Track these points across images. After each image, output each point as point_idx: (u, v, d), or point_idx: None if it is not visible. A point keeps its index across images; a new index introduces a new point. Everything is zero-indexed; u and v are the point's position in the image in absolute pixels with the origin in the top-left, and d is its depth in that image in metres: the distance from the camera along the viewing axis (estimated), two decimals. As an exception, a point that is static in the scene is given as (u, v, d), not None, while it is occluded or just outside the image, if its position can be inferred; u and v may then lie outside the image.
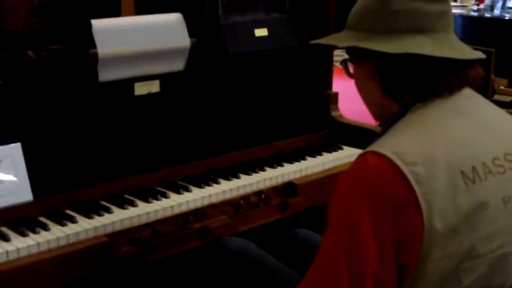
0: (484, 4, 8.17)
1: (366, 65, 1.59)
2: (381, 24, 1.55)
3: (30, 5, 2.35)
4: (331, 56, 2.98)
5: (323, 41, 1.70)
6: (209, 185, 2.35)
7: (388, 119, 1.62)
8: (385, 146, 1.47)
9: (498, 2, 7.98)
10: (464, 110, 1.56)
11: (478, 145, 1.52)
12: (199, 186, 2.34)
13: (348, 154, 2.73)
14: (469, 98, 1.59)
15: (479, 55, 1.60)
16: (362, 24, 1.60)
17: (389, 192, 1.41)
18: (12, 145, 2.10)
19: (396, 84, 1.56)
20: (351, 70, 1.68)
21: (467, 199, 1.44)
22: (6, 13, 2.29)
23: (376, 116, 1.69)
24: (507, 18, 7.57)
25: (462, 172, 1.45)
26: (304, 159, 2.65)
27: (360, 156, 1.50)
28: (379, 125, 2.65)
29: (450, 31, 1.59)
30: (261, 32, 2.76)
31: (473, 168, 1.47)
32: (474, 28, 7.28)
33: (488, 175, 1.49)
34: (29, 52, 2.26)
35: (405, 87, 1.55)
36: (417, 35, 1.54)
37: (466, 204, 1.44)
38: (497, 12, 7.84)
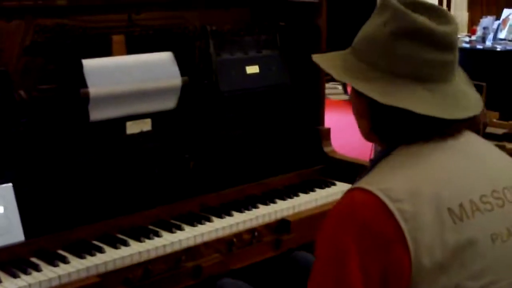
0: (476, 35, 8.23)
1: (360, 99, 1.59)
2: (383, 61, 1.54)
3: (22, 45, 2.35)
4: (322, 91, 2.99)
5: (324, 65, 1.65)
6: (201, 223, 2.35)
7: (376, 155, 1.62)
8: (372, 182, 1.47)
9: (489, 33, 8.04)
10: (454, 147, 1.56)
11: (465, 182, 1.51)
12: (192, 224, 2.33)
13: (341, 190, 2.72)
14: (460, 133, 1.60)
15: (475, 110, 1.59)
16: (366, 54, 1.58)
17: (375, 229, 1.41)
18: (3, 185, 2.10)
19: (384, 129, 1.57)
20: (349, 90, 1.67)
21: (454, 236, 1.44)
22: (-2, 54, 2.29)
23: (365, 138, 1.69)
24: (498, 49, 7.63)
25: (449, 209, 1.45)
26: (297, 195, 2.65)
27: (348, 192, 1.50)
28: (371, 160, 2.66)
29: (452, 80, 1.57)
30: (252, 69, 2.78)
31: (461, 205, 1.47)
32: (466, 61, 7.32)
33: (476, 212, 1.49)
34: (21, 92, 2.26)
35: (394, 133, 1.56)
36: (414, 83, 1.52)
37: (453, 241, 1.43)
38: (488, 43, 7.90)
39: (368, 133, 1.63)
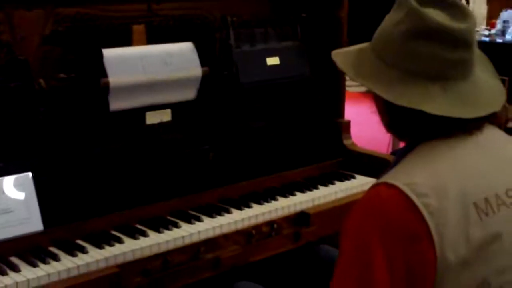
0: (496, 29, 8.16)
1: (378, 98, 1.59)
2: (397, 60, 1.53)
3: (42, 34, 2.34)
4: (343, 84, 2.97)
5: (341, 64, 1.65)
6: (220, 215, 2.33)
7: (399, 150, 1.62)
8: (398, 177, 1.47)
9: (509, 27, 7.96)
10: (477, 141, 1.55)
11: (491, 176, 1.51)
12: (211, 216, 2.32)
13: (360, 183, 2.71)
14: (481, 129, 1.58)
15: (496, 105, 1.58)
16: (382, 52, 1.57)
17: (401, 224, 1.41)
18: (23, 174, 2.10)
19: (401, 128, 1.57)
20: None
21: (479, 231, 1.43)
22: (18, 43, 2.28)
23: (387, 132, 1.69)
24: (519, 43, 7.57)
25: (474, 204, 1.45)
26: (316, 188, 2.63)
27: (372, 187, 1.50)
28: (391, 153, 2.65)
29: (469, 77, 1.55)
30: (273, 60, 2.76)
31: (486, 200, 1.46)
32: (486, 55, 7.24)
33: (501, 207, 1.48)
34: (40, 80, 2.25)
35: (411, 132, 1.56)
36: (429, 82, 1.51)
37: (479, 236, 1.43)
38: (508, 37, 7.82)
39: (388, 128, 1.64)
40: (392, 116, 1.58)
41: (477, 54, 1.59)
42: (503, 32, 7.91)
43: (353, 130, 3.00)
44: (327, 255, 2.36)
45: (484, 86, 1.58)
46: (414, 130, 1.56)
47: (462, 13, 1.53)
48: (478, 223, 1.43)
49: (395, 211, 1.42)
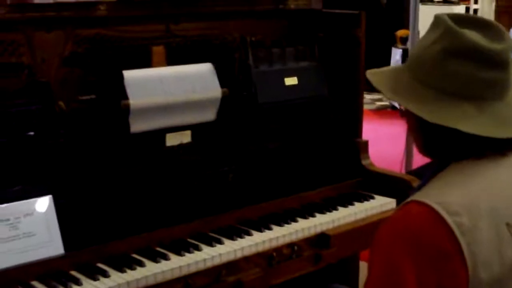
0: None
1: (411, 117, 1.58)
2: (433, 79, 1.53)
3: (62, 56, 2.34)
4: (361, 104, 2.96)
5: (376, 83, 1.65)
6: (241, 237, 2.32)
7: (429, 169, 1.61)
8: (429, 195, 1.46)
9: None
10: (507, 162, 1.54)
11: None
12: (231, 238, 2.30)
13: (379, 204, 2.69)
14: None
15: None
16: (417, 71, 1.57)
17: (433, 242, 1.40)
18: (43, 197, 2.09)
19: (435, 146, 1.57)
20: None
21: None
22: (39, 65, 2.28)
23: (420, 153, 1.68)
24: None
25: (507, 224, 1.45)
26: (336, 209, 2.61)
27: (403, 205, 1.50)
28: (407, 173, 2.64)
29: (505, 98, 1.55)
30: (291, 81, 2.75)
31: None
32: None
33: None
34: (60, 103, 2.25)
35: (444, 150, 1.55)
36: (464, 101, 1.51)
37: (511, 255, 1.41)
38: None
39: (422, 148, 1.63)
40: (426, 135, 1.58)
41: None
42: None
43: (371, 146, 2.98)
44: None
45: None
46: (448, 150, 1.55)
47: (498, 34, 1.53)
48: (511, 243, 1.42)
49: (426, 229, 1.41)
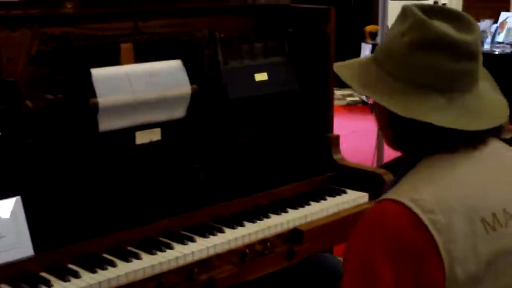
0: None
1: (382, 111, 1.57)
2: (403, 72, 1.52)
3: (28, 54, 2.31)
4: (331, 98, 2.95)
5: (344, 76, 1.63)
6: (213, 235, 2.30)
7: (401, 164, 1.60)
8: (402, 193, 1.46)
9: (487, 37, 8.02)
10: (480, 156, 1.54)
11: (497, 191, 1.50)
12: (204, 235, 2.29)
13: (352, 198, 2.69)
14: (485, 143, 1.57)
15: (501, 118, 1.56)
16: (386, 64, 1.56)
17: (408, 241, 1.40)
18: (12, 198, 2.05)
19: (407, 140, 1.55)
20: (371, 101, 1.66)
21: (488, 246, 1.42)
22: (6, 64, 2.25)
23: (389, 147, 1.67)
24: (496, 53, 7.62)
25: (482, 219, 1.44)
26: (308, 204, 2.60)
27: (377, 203, 1.49)
28: (381, 167, 2.64)
29: (474, 90, 1.55)
30: (261, 76, 2.74)
31: (493, 215, 1.45)
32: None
33: (510, 222, 1.47)
34: (28, 102, 2.21)
35: (416, 145, 1.54)
36: (435, 94, 1.51)
37: (487, 252, 1.42)
38: (486, 47, 7.88)
39: (391, 142, 1.61)
40: (397, 130, 1.57)
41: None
42: (481, 42, 7.95)
43: (342, 141, 2.98)
44: (329, 264, 2.34)
45: (489, 99, 1.57)
46: (419, 144, 1.54)
47: (468, 25, 1.53)
48: (486, 239, 1.42)
49: (401, 228, 1.41)
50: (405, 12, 1.55)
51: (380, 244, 1.41)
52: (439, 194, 1.44)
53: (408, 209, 1.41)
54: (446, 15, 1.55)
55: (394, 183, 1.58)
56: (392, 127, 1.57)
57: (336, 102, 8.71)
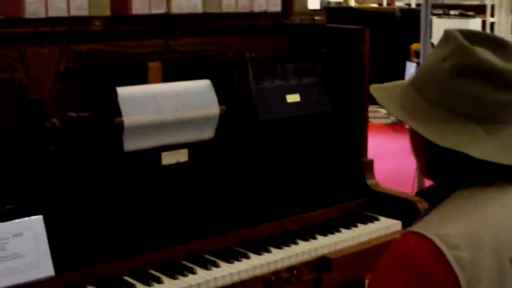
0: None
1: (418, 138, 1.50)
2: (442, 98, 1.45)
3: (56, 71, 2.29)
4: (366, 121, 2.88)
5: (381, 99, 1.56)
6: (238, 260, 2.24)
7: (435, 196, 1.53)
8: (428, 227, 1.39)
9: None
10: None
11: None
12: (228, 261, 2.23)
13: (384, 226, 2.61)
14: None
15: None
16: (425, 88, 1.49)
17: (430, 277, 1.34)
18: (34, 217, 2.02)
19: (442, 171, 1.48)
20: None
21: None
22: (32, 80, 2.23)
23: (422, 175, 1.60)
24: None
25: (511, 259, 1.36)
26: (338, 231, 2.52)
27: (402, 236, 1.43)
28: (416, 194, 2.56)
29: None
30: (293, 98, 2.68)
31: None
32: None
33: None
34: (54, 120, 2.19)
35: (452, 176, 1.47)
36: (474, 124, 1.43)
37: None
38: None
39: (426, 172, 1.54)
40: (432, 159, 1.49)
41: None
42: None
43: (376, 164, 2.90)
44: None
45: None
46: (454, 175, 1.47)
47: None
48: None
49: (424, 262, 1.34)
50: (447, 36, 1.49)
51: (402, 277, 1.35)
52: (468, 229, 1.37)
53: (432, 243, 1.35)
54: (490, 42, 1.48)
55: (426, 213, 1.52)
56: (428, 156, 1.50)
57: (381, 121, 8.63)
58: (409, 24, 8.71)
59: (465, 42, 1.43)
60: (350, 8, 10.26)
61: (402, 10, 9.18)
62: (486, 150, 1.40)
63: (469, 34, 1.47)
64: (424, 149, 1.49)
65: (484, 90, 1.41)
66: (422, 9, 4.77)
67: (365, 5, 10.56)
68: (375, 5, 11.34)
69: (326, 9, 9.03)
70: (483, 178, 1.44)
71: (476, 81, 1.41)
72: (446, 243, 1.34)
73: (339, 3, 11.52)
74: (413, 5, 10.97)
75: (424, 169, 1.54)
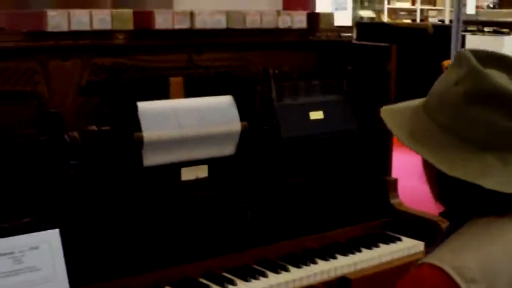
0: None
1: (429, 166, 1.46)
2: (453, 124, 1.41)
3: (78, 84, 2.29)
4: (390, 139, 2.83)
5: (390, 124, 1.53)
6: (256, 278, 2.21)
7: (447, 226, 1.49)
8: (444, 259, 1.35)
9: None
10: None
11: None
12: (245, 279, 2.20)
13: (407, 246, 2.56)
14: None
15: None
16: (436, 113, 1.45)
17: None
18: (50, 231, 2.01)
19: (453, 200, 1.44)
20: None
21: None
22: (53, 94, 2.22)
23: (436, 202, 1.55)
24: None
25: None
26: (359, 250, 2.48)
27: (416, 267, 1.39)
28: (439, 214, 2.51)
29: None
30: (316, 115, 2.65)
31: None
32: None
33: None
34: (74, 133, 2.19)
35: (464, 205, 1.42)
36: (486, 152, 1.38)
37: None
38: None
39: (438, 199, 1.50)
40: (443, 187, 1.46)
41: None
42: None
43: (400, 182, 2.84)
44: None
45: None
46: (467, 204, 1.43)
47: None
48: None
49: None
50: (460, 58, 1.43)
51: None
52: (484, 261, 1.33)
53: (448, 276, 1.31)
54: (506, 64, 1.42)
55: (441, 241, 1.47)
56: (439, 184, 1.45)
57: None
58: (442, 40, 8.63)
59: (478, 66, 1.38)
60: (383, 23, 10.20)
61: (435, 26, 9.09)
62: (498, 181, 1.36)
63: (482, 56, 1.42)
64: (435, 176, 1.45)
65: (497, 117, 1.37)
66: (453, 25, 4.74)
67: (398, 21, 10.49)
68: (408, 21, 11.27)
69: (359, 25, 9.00)
70: (497, 208, 1.39)
71: (489, 108, 1.37)
72: (462, 276, 1.30)
73: (372, 18, 11.47)
74: (447, 22, 10.88)
75: (436, 196, 1.50)
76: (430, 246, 1.52)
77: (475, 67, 1.39)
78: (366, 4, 12.88)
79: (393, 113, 1.55)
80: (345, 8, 10.14)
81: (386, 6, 13.05)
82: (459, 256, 1.34)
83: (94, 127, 2.21)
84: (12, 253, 1.96)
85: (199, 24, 2.42)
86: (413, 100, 1.58)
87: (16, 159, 2.04)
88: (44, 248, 2.00)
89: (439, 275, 1.32)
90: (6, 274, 1.93)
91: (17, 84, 2.18)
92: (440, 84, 1.49)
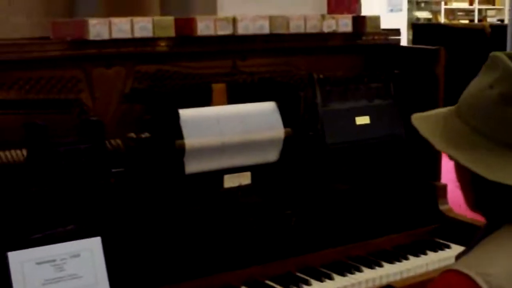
0: None
1: (464, 171, 1.42)
2: (489, 127, 1.38)
3: (121, 92, 2.30)
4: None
5: (423, 130, 1.51)
6: (299, 287, 2.19)
7: (477, 233, 1.44)
8: (471, 265, 1.33)
9: None
10: None
11: None
12: (288, 287, 2.17)
13: (455, 254, 2.47)
14: None
15: None
16: (470, 118, 1.42)
17: None
18: (92, 239, 2.02)
19: (490, 205, 1.39)
20: None
21: None
22: (96, 102, 2.24)
23: (470, 210, 1.51)
24: None
25: None
26: (406, 258, 2.43)
27: (443, 273, 1.36)
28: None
29: None
30: (362, 120, 2.60)
31: None
32: None
33: None
34: (117, 141, 2.20)
35: (500, 211, 1.38)
36: None
37: None
38: None
39: (473, 206, 1.46)
40: (479, 193, 1.42)
41: None
42: None
43: (450, 188, 2.77)
44: None
45: None
46: (502, 210, 1.39)
47: None
48: None
49: None
50: (493, 61, 1.40)
51: None
52: (511, 267, 1.30)
53: (475, 283, 1.28)
54: None
55: (469, 249, 1.44)
56: (474, 190, 1.41)
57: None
58: (500, 40, 8.46)
59: None
60: (439, 24, 10.05)
61: (492, 26, 8.91)
62: None
63: None
64: (470, 183, 1.41)
65: None
66: (509, 25, 4.63)
67: (455, 22, 10.32)
68: (466, 21, 11.08)
69: (414, 26, 8.88)
70: None
71: None
72: (489, 283, 1.28)
73: (429, 19, 11.32)
74: (506, 21, 10.65)
75: (471, 203, 1.46)
76: (460, 254, 1.49)
77: (509, 69, 1.35)
78: (422, 5, 12.73)
79: (425, 120, 1.53)
80: (400, 10, 10.01)
81: (443, 6, 12.87)
82: (487, 263, 1.32)
83: (136, 135, 2.21)
84: (54, 260, 1.97)
85: (241, 30, 2.40)
86: (444, 108, 1.55)
87: (58, 167, 2.05)
88: (86, 256, 2.01)
89: (465, 281, 1.29)
90: (48, 282, 1.94)
91: (61, 92, 2.21)
92: (473, 87, 1.45)
